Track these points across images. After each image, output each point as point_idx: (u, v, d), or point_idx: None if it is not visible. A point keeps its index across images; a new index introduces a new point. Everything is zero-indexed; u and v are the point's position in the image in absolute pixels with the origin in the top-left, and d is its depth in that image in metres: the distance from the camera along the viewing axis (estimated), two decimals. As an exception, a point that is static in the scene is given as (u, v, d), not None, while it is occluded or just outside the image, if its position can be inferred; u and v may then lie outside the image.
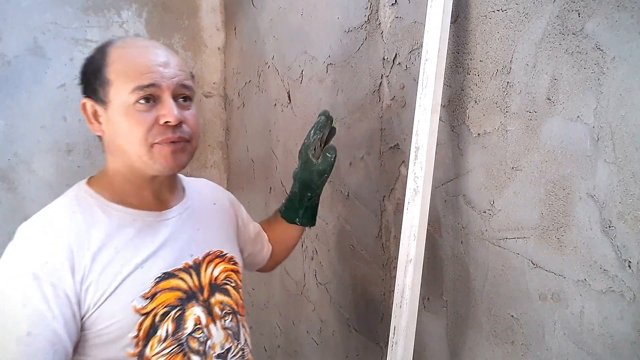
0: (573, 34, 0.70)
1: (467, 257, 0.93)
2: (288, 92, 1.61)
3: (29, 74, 1.84)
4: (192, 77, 0.88)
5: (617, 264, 0.67)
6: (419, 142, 0.89)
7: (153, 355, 0.80)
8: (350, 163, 1.29)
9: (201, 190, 1.01)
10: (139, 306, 0.79)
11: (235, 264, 0.97)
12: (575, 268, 0.73)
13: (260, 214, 1.87)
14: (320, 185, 1.13)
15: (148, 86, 0.79)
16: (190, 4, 2.18)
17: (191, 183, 1.01)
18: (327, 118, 1.09)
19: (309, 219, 1.17)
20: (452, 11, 0.88)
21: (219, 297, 0.90)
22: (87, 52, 1.98)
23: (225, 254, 0.95)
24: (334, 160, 1.09)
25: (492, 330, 0.88)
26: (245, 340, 0.95)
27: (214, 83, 2.22)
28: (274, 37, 1.69)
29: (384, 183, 1.16)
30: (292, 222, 1.16)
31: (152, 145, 0.80)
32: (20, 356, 0.70)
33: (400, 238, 0.93)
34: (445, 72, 0.90)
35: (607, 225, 0.68)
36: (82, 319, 0.76)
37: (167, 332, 0.81)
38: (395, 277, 0.94)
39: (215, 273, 0.91)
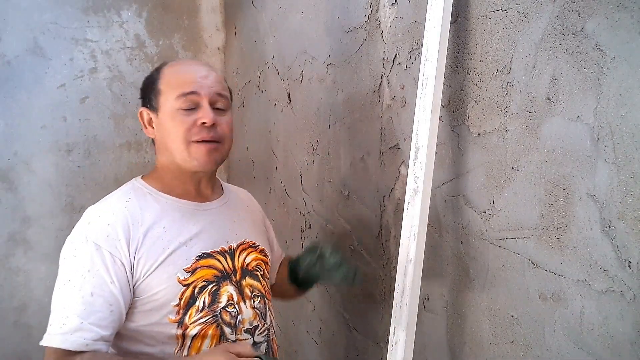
0: (573, 34, 0.70)
1: (467, 257, 0.92)
2: (288, 92, 1.61)
3: (29, 74, 1.84)
4: (230, 91, 1.05)
5: (617, 264, 0.67)
6: (419, 142, 0.89)
7: (191, 323, 0.92)
8: (350, 163, 1.29)
9: (237, 194, 1.17)
10: (182, 278, 0.92)
11: (265, 255, 1.09)
12: (575, 268, 0.73)
13: (260, 214, 1.87)
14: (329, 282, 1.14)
15: (189, 93, 0.95)
16: (190, 4, 2.18)
17: (230, 187, 1.17)
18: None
19: (305, 287, 1.20)
20: (452, 11, 0.88)
21: (249, 280, 1.02)
22: (87, 52, 1.99)
23: (258, 245, 1.08)
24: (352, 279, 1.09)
25: (492, 330, 0.88)
26: (271, 321, 1.05)
27: (214, 83, 2.22)
28: (274, 37, 1.69)
29: (384, 183, 1.16)
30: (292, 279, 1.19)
31: (190, 144, 0.95)
32: (84, 311, 0.84)
33: (400, 238, 0.93)
34: (445, 72, 0.90)
35: (607, 225, 0.68)
36: (134, 285, 0.89)
37: (204, 303, 0.94)
38: (395, 277, 0.94)
39: (248, 260, 1.04)
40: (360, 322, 1.32)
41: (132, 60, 2.04)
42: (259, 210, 1.22)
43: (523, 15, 0.77)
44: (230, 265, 1.00)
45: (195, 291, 0.93)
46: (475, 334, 0.92)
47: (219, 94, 0.98)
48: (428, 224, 1.01)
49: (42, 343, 0.86)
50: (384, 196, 1.17)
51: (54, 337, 0.84)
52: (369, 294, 1.25)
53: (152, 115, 0.99)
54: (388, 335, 0.93)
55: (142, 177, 1.03)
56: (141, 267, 0.89)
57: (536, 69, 0.76)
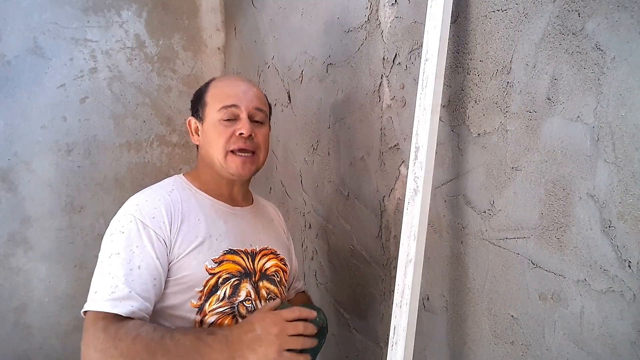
0: (573, 34, 0.70)
1: (467, 257, 0.92)
2: (288, 92, 1.61)
3: (29, 74, 1.84)
4: (270, 106, 1.18)
5: (617, 264, 0.67)
6: (419, 142, 0.89)
7: (210, 311, 0.98)
8: (350, 163, 1.29)
9: (266, 206, 1.26)
10: (209, 267, 0.99)
11: (285, 264, 1.16)
12: (575, 268, 0.73)
13: (260, 214, 1.87)
14: None
15: (230, 106, 1.06)
16: (190, 4, 2.18)
17: (261, 200, 1.27)
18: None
19: None
20: (452, 11, 0.88)
21: (266, 283, 1.08)
22: (87, 52, 1.99)
23: (279, 254, 1.15)
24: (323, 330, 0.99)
25: (492, 330, 0.88)
26: None
27: (214, 83, 2.22)
28: (274, 37, 1.69)
29: (384, 183, 1.16)
30: None
31: (228, 153, 1.05)
32: (133, 282, 0.91)
33: (400, 238, 0.93)
34: (445, 72, 0.90)
35: (607, 225, 0.68)
36: (169, 264, 0.97)
37: (225, 294, 1.00)
38: (395, 277, 0.94)
39: (267, 265, 1.10)
40: (360, 322, 1.32)
41: (132, 60, 2.04)
42: (283, 226, 1.28)
43: (523, 15, 0.77)
44: (251, 266, 1.07)
45: (219, 281, 1.00)
46: (475, 334, 0.92)
47: (257, 108, 1.09)
48: (428, 224, 1.01)
49: (88, 308, 0.90)
50: (384, 196, 1.17)
51: (103, 303, 0.89)
52: (369, 294, 1.25)
53: (199, 124, 1.11)
54: (388, 335, 0.93)
55: (183, 174, 1.13)
56: (177, 249, 0.97)
57: (536, 69, 0.76)
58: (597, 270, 0.70)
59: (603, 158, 0.67)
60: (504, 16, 0.81)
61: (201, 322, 0.98)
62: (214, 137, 1.05)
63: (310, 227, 1.54)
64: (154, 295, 0.94)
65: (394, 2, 1.07)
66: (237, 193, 1.14)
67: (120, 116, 2.05)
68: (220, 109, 1.05)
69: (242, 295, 1.02)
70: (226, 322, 0.99)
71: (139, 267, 0.93)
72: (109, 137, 2.04)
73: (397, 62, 1.08)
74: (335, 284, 1.42)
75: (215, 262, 1.01)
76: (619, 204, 0.66)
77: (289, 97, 1.60)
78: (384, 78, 1.13)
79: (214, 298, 0.99)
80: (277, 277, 1.12)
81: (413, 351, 0.91)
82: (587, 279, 0.71)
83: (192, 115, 1.14)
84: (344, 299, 1.39)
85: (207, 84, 1.13)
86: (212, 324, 0.98)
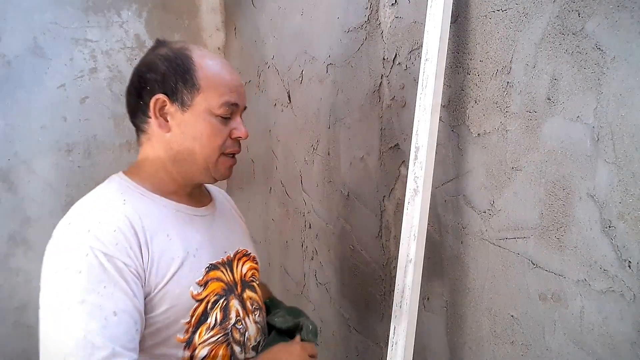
0: (573, 34, 0.70)
1: (467, 257, 0.92)
2: (288, 92, 1.61)
3: (29, 74, 1.84)
4: None
5: (617, 264, 0.67)
6: (419, 142, 0.89)
7: (200, 343, 0.83)
8: (350, 163, 1.29)
9: (218, 196, 1.06)
10: (195, 292, 0.83)
11: (257, 263, 1.03)
12: (575, 268, 0.73)
13: (260, 214, 1.87)
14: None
15: (234, 104, 0.88)
16: (190, 4, 2.18)
17: (210, 189, 1.07)
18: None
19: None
20: (452, 11, 0.88)
21: (249, 293, 0.95)
22: (87, 52, 1.99)
23: (250, 253, 1.01)
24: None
25: (492, 330, 0.88)
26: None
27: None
28: (274, 37, 1.69)
29: (384, 183, 1.16)
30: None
31: (220, 155, 0.89)
32: (112, 335, 0.71)
33: (400, 238, 0.93)
34: (445, 72, 0.90)
35: (607, 225, 0.68)
36: (146, 298, 0.78)
37: (215, 320, 0.86)
38: (395, 277, 0.94)
39: (244, 270, 0.97)
40: (360, 322, 1.32)
41: (132, 60, 2.04)
42: (236, 210, 1.13)
43: (523, 15, 0.77)
44: (232, 278, 0.92)
45: (208, 307, 0.85)
46: (475, 334, 0.92)
47: (245, 107, 0.94)
48: (428, 224, 1.01)
49: None
50: (384, 196, 1.17)
51: None
52: (369, 294, 1.25)
53: (174, 109, 0.86)
54: (388, 335, 0.93)
55: (126, 174, 0.89)
56: (153, 278, 0.78)
57: (536, 69, 0.76)
58: (597, 270, 0.70)
59: (603, 158, 0.67)
60: (504, 16, 0.81)
61: (191, 357, 0.82)
62: (206, 135, 0.86)
63: (310, 227, 1.54)
64: (138, 344, 0.76)
65: (394, 2, 1.07)
66: (197, 191, 0.96)
67: (120, 116, 2.05)
68: (223, 104, 0.86)
69: (233, 317, 0.88)
70: (220, 352, 0.85)
71: (114, 314, 0.72)
72: (109, 137, 2.04)
73: (397, 62, 1.08)
74: (335, 284, 1.42)
75: (201, 285, 0.84)
76: (619, 204, 0.66)
77: (289, 97, 1.60)
78: (384, 78, 1.13)
79: (203, 327, 0.84)
80: (255, 280, 1.00)
81: (413, 351, 0.91)
82: (587, 279, 0.71)
83: (163, 92, 0.85)
84: (344, 299, 1.39)
85: (187, 58, 0.87)
86: (204, 357, 0.83)
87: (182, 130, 0.86)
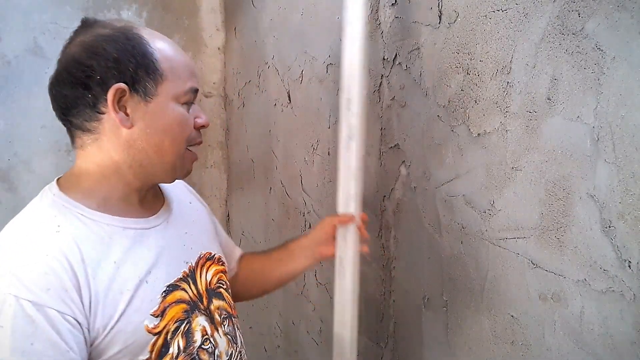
0: (573, 34, 0.70)
1: (467, 257, 0.92)
2: (288, 92, 1.61)
3: (29, 74, 1.84)
4: None
5: (617, 264, 0.67)
6: (351, 95, 0.96)
7: None
8: (350, 163, 1.29)
9: (174, 190, 0.92)
10: (151, 326, 0.72)
11: (223, 264, 0.92)
12: (575, 268, 0.73)
13: (260, 214, 1.87)
14: None
15: (196, 89, 0.78)
16: (190, 4, 2.18)
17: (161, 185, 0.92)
18: None
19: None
20: (452, 11, 0.88)
21: (216, 302, 0.85)
22: (87, 52, 1.99)
23: (214, 255, 0.90)
24: None
25: (492, 330, 0.88)
26: (241, 342, 0.92)
27: (213, 83, 2.22)
28: (274, 37, 1.69)
29: (384, 183, 1.16)
30: None
31: (186, 150, 0.78)
32: None
33: (339, 179, 1.00)
34: (445, 72, 0.90)
35: (607, 225, 0.68)
36: (91, 345, 0.67)
37: (178, 348, 0.75)
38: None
39: (209, 277, 0.86)
40: (360, 322, 1.32)
41: (132, 60, 2.05)
42: (198, 199, 0.99)
43: (523, 15, 0.77)
44: (195, 291, 0.81)
45: (168, 337, 0.74)
46: (475, 334, 0.92)
47: None
48: (428, 224, 1.01)
49: None
50: (384, 196, 1.17)
51: None
52: (369, 294, 1.24)
53: (136, 100, 0.73)
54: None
55: (60, 188, 0.75)
56: (99, 321, 0.67)
57: (536, 69, 0.76)
58: (597, 270, 0.70)
59: (603, 158, 0.67)
60: (504, 16, 0.81)
61: None
62: (176, 126, 0.75)
63: (310, 227, 1.54)
64: None
65: (394, 2, 1.07)
66: (150, 195, 0.82)
67: (120, 116, 2.05)
68: (187, 91, 0.76)
69: (198, 338, 0.78)
70: None
71: None
72: (109, 137, 2.04)
73: (397, 62, 1.08)
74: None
75: (157, 316, 0.73)
76: (619, 204, 0.66)
77: (289, 97, 1.60)
78: (384, 78, 1.13)
79: (166, 359, 0.74)
80: (223, 284, 0.89)
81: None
82: (587, 279, 0.71)
83: (122, 81, 0.71)
84: (344, 299, 1.39)
85: (141, 37, 0.74)
86: None
87: (147, 124, 0.73)
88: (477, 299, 0.91)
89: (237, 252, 1.11)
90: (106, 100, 0.71)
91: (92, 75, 0.72)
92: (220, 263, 0.92)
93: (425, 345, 1.05)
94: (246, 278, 1.09)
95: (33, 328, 0.61)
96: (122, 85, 0.71)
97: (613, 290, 0.68)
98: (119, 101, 0.72)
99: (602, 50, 0.67)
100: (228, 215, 2.25)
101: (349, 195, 0.97)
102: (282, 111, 1.67)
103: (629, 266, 0.65)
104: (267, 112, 1.78)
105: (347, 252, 0.98)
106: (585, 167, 0.70)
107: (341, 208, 0.98)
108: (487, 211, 0.87)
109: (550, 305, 0.77)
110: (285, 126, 1.66)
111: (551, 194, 0.75)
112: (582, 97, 0.70)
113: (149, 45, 0.74)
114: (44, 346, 0.61)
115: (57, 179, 0.78)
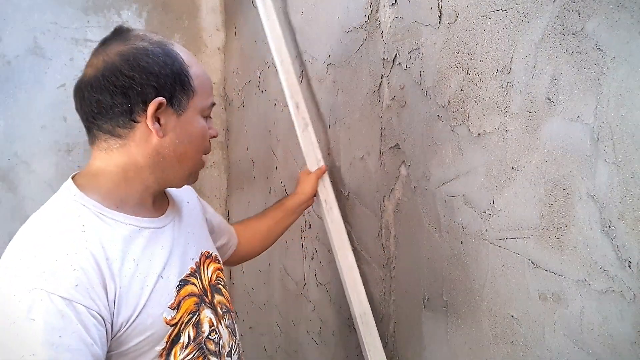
0: (573, 34, 0.70)
1: (467, 257, 0.92)
2: (288, 92, 1.61)
3: (29, 74, 1.84)
4: None
5: (617, 264, 0.67)
6: (297, 99, 1.29)
7: None
8: (350, 163, 1.29)
9: (172, 191, 0.96)
10: (168, 318, 0.77)
11: (219, 262, 0.98)
12: (575, 268, 0.73)
13: (260, 214, 1.87)
14: None
15: (214, 104, 0.86)
16: (190, 4, 2.18)
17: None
18: None
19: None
20: (452, 11, 0.88)
21: (217, 297, 0.91)
22: (87, 52, 1.99)
23: (212, 253, 0.95)
24: None
25: (492, 330, 0.88)
26: (240, 335, 0.98)
27: (214, 83, 2.22)
28: (274, 37, 1.69)
29: (384, 183, 1.16)
30: None
31: (201, 158, 0.86)
32: None
33: (304, 152, 1.29)
34: (445, 72, 0.90)
35: (607, 225, 0.68)
36: (112, 338, 0.71)
37: (189, 337, 0.81)
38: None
39: (210, 274, 0.92)
40: (360, 322, 1.32)
41: (132, 60, 2.05)
42: (193, 196, 1.04)
43: (523, 15, 0.77)
44: (201, 286, 0.87)
45: (181, 328, 0.80)
46: (475, 334, 0.92)
47: None
48: (428, 223, 1.01)
49: None
50: (384, 196, 1.17)
51: None
52: (369, 294, 1.24)
53: (170, 113, 0.78)
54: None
55: (79, 187, 0.78)
56: (122, 315, 0.71)
57: (536, 69, 0.76)
58: (597, 270, 0.70)
59: (603, 158, 0.67)
60: (504, 16, 0.81)
61: None
62: (200, 138, 0.83)
63: (310, 227, 1.54)
64: None
65: (394, 2, 1.07)
66: (159, 197, 0.88)
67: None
68: (210, 106, 0.84)
69: (206, 329, 0.84)
70: None
71: None
72: (109, 137, 2.04)
73: (397, 62, 1.08)
74: (335, 284, 1.42)
75: (174, 308, 0.79)
76: (619, 204, 0.66)
77: (289, 97, 1.60)
78: (384, 78, 1.13)
79: (177, 348, 0.79)
80: (221, 280, 0.95)
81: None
82: (587, 279, 0.71)
83: (161, 95, 0.76)
84: (343, 299, 1.39)
85: (177, 58, 0.79)
86: None
87: (177, 135, 0.79)
88: (477, 299, 0.91)
89: (232, 227, 1.22)
90: (143, 110, 0.76)
91: (133, 86, 0.75)
92: (217, 261, 0.97)
93: (425, 345, 1.05)
94: (248, 242, 1.23)
95: (63, 322, 0.65)
96: (162, 99, 0.76)
97: (613, 290, 0.68)
98: (158, 117, 0.77)
99: (602, 50, 0.67)
100: (228, 215, 2.25)
101: (317, 160, 1.32)
102: (282, 111, 1.67)
103: (629, 266, 0.65)
104: (267, 112, 1.78)
105: (329, 194, 1.30)
106: (585, 167, 0.70)
107: (314, 167, 1.30)
108: (487, 211, 0.87)
109: (550, 305, 0.77)
110: (285, 126, 1.66)
111: (551, 194, 0.75)
112: (582, 97, 0.70)
113: (185, 63, 0.79)
114: (72, 339, 0.65)
115: (73, 177, 0.82)
